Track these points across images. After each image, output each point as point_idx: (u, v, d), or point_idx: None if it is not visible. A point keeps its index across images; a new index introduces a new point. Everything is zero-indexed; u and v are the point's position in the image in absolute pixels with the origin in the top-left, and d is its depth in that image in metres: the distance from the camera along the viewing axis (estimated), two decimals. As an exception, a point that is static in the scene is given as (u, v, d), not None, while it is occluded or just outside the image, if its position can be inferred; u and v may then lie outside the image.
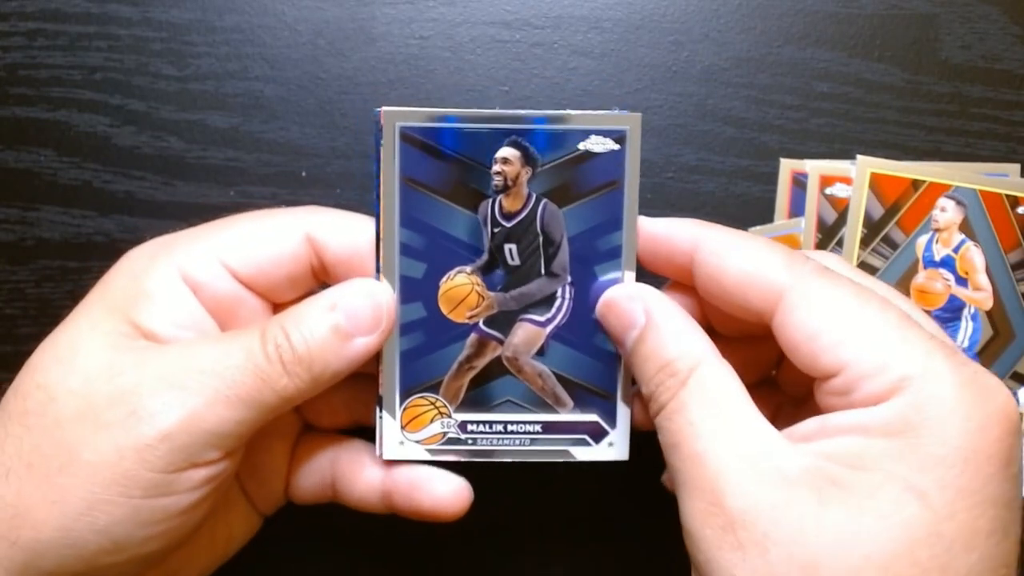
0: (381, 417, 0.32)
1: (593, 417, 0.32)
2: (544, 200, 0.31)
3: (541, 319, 0.32)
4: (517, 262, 0.32)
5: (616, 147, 0.30)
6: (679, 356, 0.28)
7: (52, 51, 0.39)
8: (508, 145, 0.31)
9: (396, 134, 0.30)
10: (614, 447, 0.32)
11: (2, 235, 0.39)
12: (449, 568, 0.40)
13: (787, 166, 0.39)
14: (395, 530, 0.40)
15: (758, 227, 0.39)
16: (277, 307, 0.32)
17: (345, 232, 0.32)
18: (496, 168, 0.31)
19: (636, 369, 0.30)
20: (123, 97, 0.39)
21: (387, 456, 0.32)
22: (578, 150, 0.31)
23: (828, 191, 0.39)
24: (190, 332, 0.30)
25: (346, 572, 0.40)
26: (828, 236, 0.39)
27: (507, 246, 0.31)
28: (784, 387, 0.33)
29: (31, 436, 0.27)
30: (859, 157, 0.39)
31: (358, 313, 0.30)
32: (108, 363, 0.28)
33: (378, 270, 0.31)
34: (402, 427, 0.32)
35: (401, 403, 0.32)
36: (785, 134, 0.40)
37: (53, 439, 0.27)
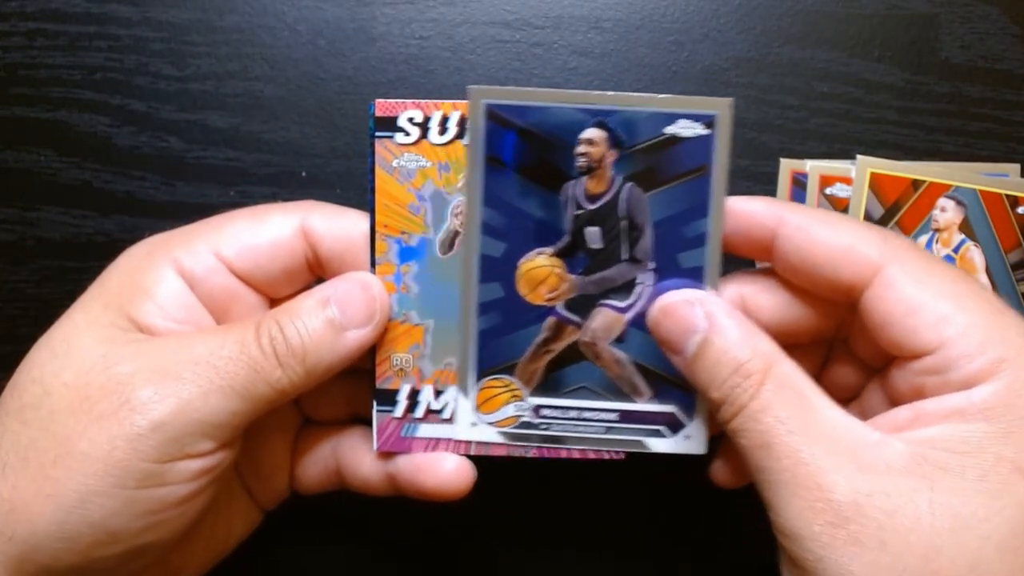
0: (376, 412, 0.32)
1: (671, 408, 0.32)
2: (629, 184, 0.30)
3: (621, 305, 0.31)
4: (599, 245, 0.31)
5: (705, 132, 0.30)
6: (752, 356, 0.28)
7: (52, 51, 0.39)
8: (594, 126, 0.30)
9: (482, 112, 0.30)
10: (691, 440, 0.32)
11: (2, 235, 0.39)
12: (449, 560, 0.40)
13: (787, 166, 0.39)
14: (395, 523, 0.40)
15: (758, 227, 0.39)
16: (274, 302, 0.33)
17: (339, 226, 0.32)
18: (581, 149, 0.30)
19: (700, 374, 0.29)
20: (123, 97, 0.39)
21: (461, 436, 0.32)
22: (665, 134, 0.30)
23: (828, 191, 0.39)
24: (187, 327, 0.30)
25: (346, 565, 0.40)
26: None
27: (589, 229, 0.31)
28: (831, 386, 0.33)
29: (27, 431, 0.27)
30: (859, 157, 0.39)
31: (352, 306, 0.30)
32: (102, 356, 0.28)
33: (373, 264, 0.32)
34: (476, 408, 0.32)
35: (477, 383, 0.32)
36: (785, 134, 0.40)
37: (48, 432, 0.27)
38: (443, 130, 0.31)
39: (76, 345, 0.29)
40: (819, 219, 0.29)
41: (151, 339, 0.29)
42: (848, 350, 0.33)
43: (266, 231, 0.32)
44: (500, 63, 0.40)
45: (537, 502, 0.40)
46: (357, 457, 0.34)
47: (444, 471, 0.32)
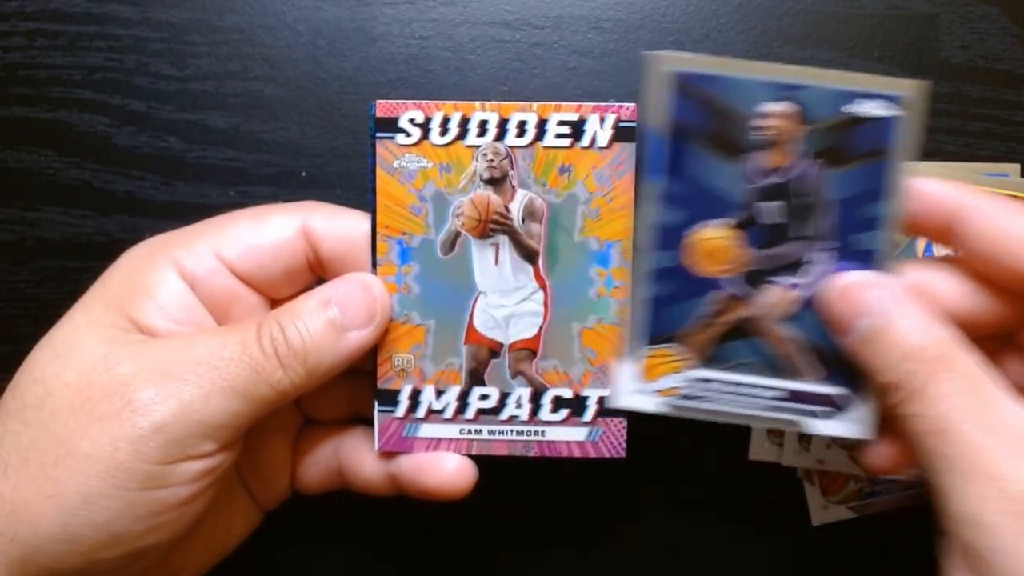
0: (378, 412, 0.32)
1: (839, 390, 0.31)
2: (811, 161, 0.30)
3: (794, 282, 0.31)
4: (776, 221, 0.30)
5: (891, 113, 0.29)
6: (931, 343, 0.27)
7: (52, 51, 0.39)
8: (780, 100, 0.30)
9: (669, 80, 0.30)
10: (859, 424, 0.31)
11: (2, 235, 0.39)
12: (449, 560, 0.40)
13: (787, 166, 0.39)
14: (395, 523, 0.40)
15: (758, 227, 0.39)
16: (275, 303, 0.33)
17: (340, 226, 0.32)
18: (765, 122, 0.30)
19: (872, 357, 0.28)
20: (123, 97, 0.39)
21: (621, 404, 0.32)
22: (851, 113, 0.30)
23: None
24: (188, 327, 0.30)
25: (346, 565, 0.40)
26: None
27: (768, 203, 0.30)
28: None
29: (28, 431, 0.27)
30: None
31: (353, 307, 0.30)
32: (104, 356, 0.28)
33: (374, 264, 0.32)
34: (641, 375, 0.31)
35: (644, 350, 0.31)
36: (785, 134, 0.40)
37: (49, 433, 0.27)
38: (444, 131, 0.32)
39: (78, 345, 0.29)
40: (1002, 207, 0.29)
41: (152, 340, 0.29)
42: None
43: (267, 232, 0.32)
44: (500, 63, 0.40)
45: (537, 502, 0.40)
46: (359, 457, 0.34)
47: (446, 471, 0.32)
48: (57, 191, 0.39)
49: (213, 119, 0.39)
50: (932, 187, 0.30)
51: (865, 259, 0.30)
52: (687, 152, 0.30)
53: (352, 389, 0.34)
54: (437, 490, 0.32)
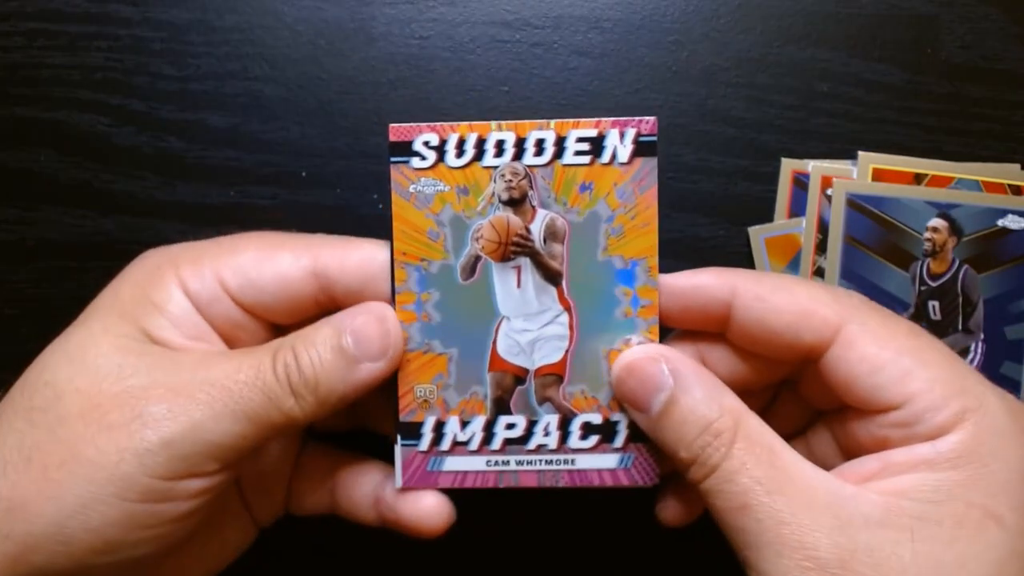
0: (400, 447, 0.31)
1: None
2: (965, 266, 0.37)
3: None
4: (938, 317, 0.37)
5: None
6: (721, 414, 0.28)
7: (52, 51, 0.39)
8: (939, 216, 0.37)
9: (843, 200, 0.37)
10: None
11: (2, 235, 0.39)
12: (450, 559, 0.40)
13: (788, 166, 0.39)
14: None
15: (758, 227, 0.39)
16: (280, 330, 0.32)
17: (353, 262, 0.31)
18: (927, 235, 0.37)
19: (668, 433, 0.29)
20: (123, 97, 0.39)
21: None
22: (997, 225, 0.37)
23: (829, 191, 0.39)
24: (199, 343, 0.30)
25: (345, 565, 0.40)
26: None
27: (931, 303, 0.37)
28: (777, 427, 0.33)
29: (34, 432, 0.27)
30: (860, 153, 0.39)
31: (367, 338, 0.29)
32: (118, 365, 0.28)
33: (393, 293, 0.31)
34: None
35: None
36: (785, 134, 0.40)
37: (55, 436, 0.27)
38: (460, 153, 0.31)
39: (92, 352, 0.29)
40: (774, 285, 0.30)
41: (167, 353, 0.29)
42: (795, 392, 0.33)
43: (273, 268, 0.31)
44: (500, 63, 0.40)
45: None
46: (352, 484, 0.33)
47: (422, 507, 0.31)
48: (57, 191, 0.39)
49: (213, 119, 0.39)
50: (695, 280, 0.30)
51: (1016, 347, 0.37)
52: (859, 259, 0.37)
53: (359, 401, 0.34)
54: (410, 524, 0.32)
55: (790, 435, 0.30)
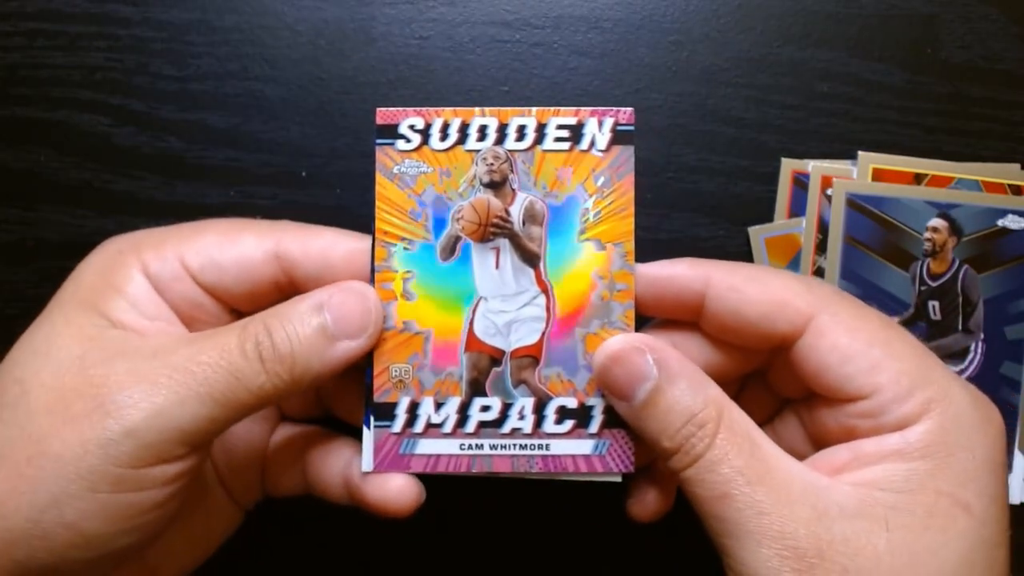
0: (370, 429, 0.31)
1: None
2: (965, 266, 0.37)
3: (956, 370, 0.34)
4: (938, 317, 0.37)
5: None
6: (706, 405, 0.28)
7: (52, 51, 0.39)
8: (939, 216, 0.37)
9: (843, 200, 0.37)
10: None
11: (2, 235, 0.39)
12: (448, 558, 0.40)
13: (788, 166, 0.39)
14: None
15: (758, 227, 0.39)
16: (239, 315, 0.32)
17: (315, 248, 0.31)
18: (927, 235, 0.37)
19: (651, 422, 0.29)
20: (123, 97, 0.39)
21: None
22: (997, 225, 0.37)
23: (829, 191, 0.39)
24: (159, 324, 0.30)
25: (331, 568, 0.40)
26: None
27: (931, 303, 0.37)
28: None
29: (5, 429, 0.27)
30: (860, 153, 0.39)
31: (346, 316, 0.29)
32: (80, 355, 0.28)
33: (373, 271, 0.31)
34: None
35: None
36: (785, 134, 0.40)
37: (25, 432, 0.27)
38: (444, 136, 0.31)
39: (55, 344, 0.28)
40: (748, 276, 0.30)
41: (129, 338, 0.29)
42: (763, 381, 0.33)
43: (235, 249, 0.31)
44: (500, 63, 0.40)
45: (533, 505, 0.40)
46: (324, 463, 0.33)
47: (388, 488, 0.31)
48: (57, 191, 0.39)
49: (213, 119, 0.39)
50: (670, 270, 0.31)
51: (1016, 347, 0.37)
52: (859, 259, 0.37)
53: (327, 387, 0.34)
54: (377, 506, 0.31)
55: (759, 423, 0.30)
